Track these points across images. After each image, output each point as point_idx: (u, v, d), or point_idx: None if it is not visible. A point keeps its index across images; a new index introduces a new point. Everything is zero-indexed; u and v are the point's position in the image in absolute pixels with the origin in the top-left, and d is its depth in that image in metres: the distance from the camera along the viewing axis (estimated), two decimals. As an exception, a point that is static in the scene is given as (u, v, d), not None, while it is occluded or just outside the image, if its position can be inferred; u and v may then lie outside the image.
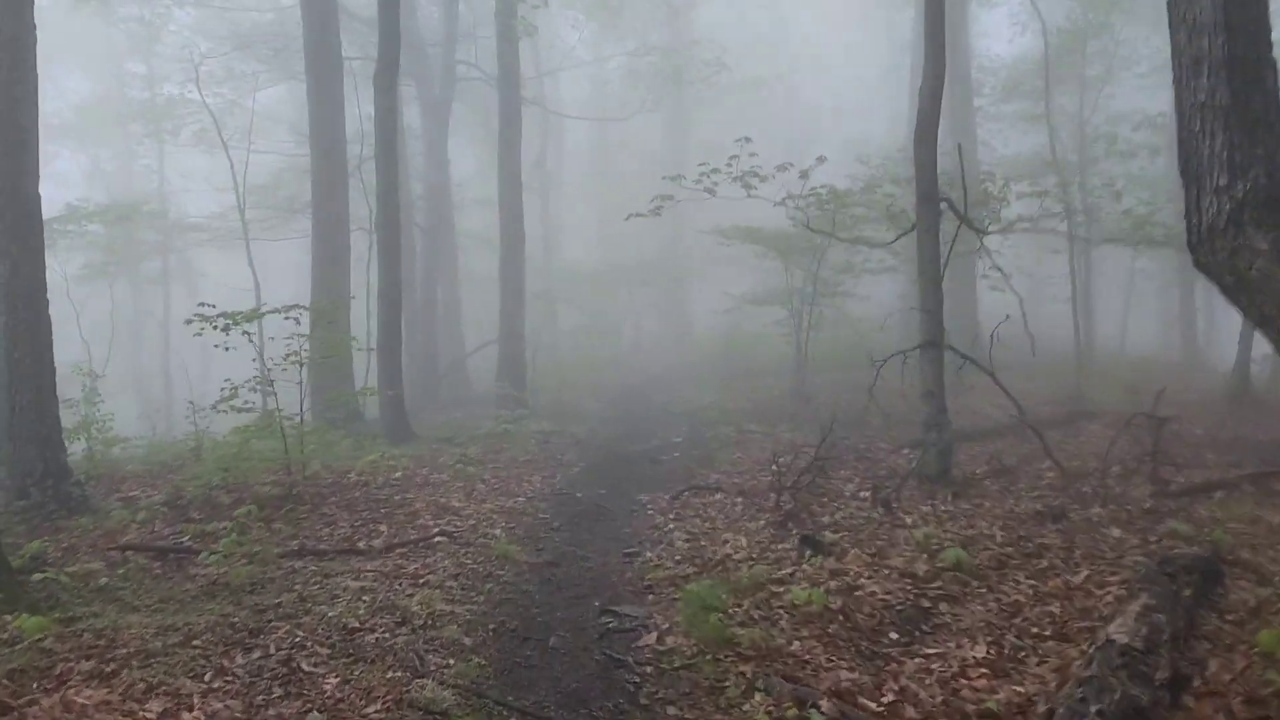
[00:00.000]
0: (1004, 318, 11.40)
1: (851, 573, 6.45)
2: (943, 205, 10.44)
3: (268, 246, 27.96)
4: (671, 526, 8.60)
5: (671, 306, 34.70)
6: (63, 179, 30.13)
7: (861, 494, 9.13)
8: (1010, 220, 14.43)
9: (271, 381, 9.08)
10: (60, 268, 20.72)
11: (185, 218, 26.46)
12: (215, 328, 8.92)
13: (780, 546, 7.31)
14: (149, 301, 28.80)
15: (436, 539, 7.94)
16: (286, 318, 9.71)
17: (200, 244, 27.42)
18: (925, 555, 6.75)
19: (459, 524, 8.65)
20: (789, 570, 6.63)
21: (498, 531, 8.48)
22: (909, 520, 8.05)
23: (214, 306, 9.07)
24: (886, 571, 6.38)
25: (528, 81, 26.21)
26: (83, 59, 30.97)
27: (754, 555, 7.14)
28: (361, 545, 7.71)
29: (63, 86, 31.50)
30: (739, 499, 9.28)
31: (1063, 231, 18.24)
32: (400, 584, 6.63)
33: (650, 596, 6.59)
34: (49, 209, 9.81)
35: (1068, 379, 17.89)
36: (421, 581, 6.72)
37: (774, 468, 9.59)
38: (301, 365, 10.12)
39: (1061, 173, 18.92)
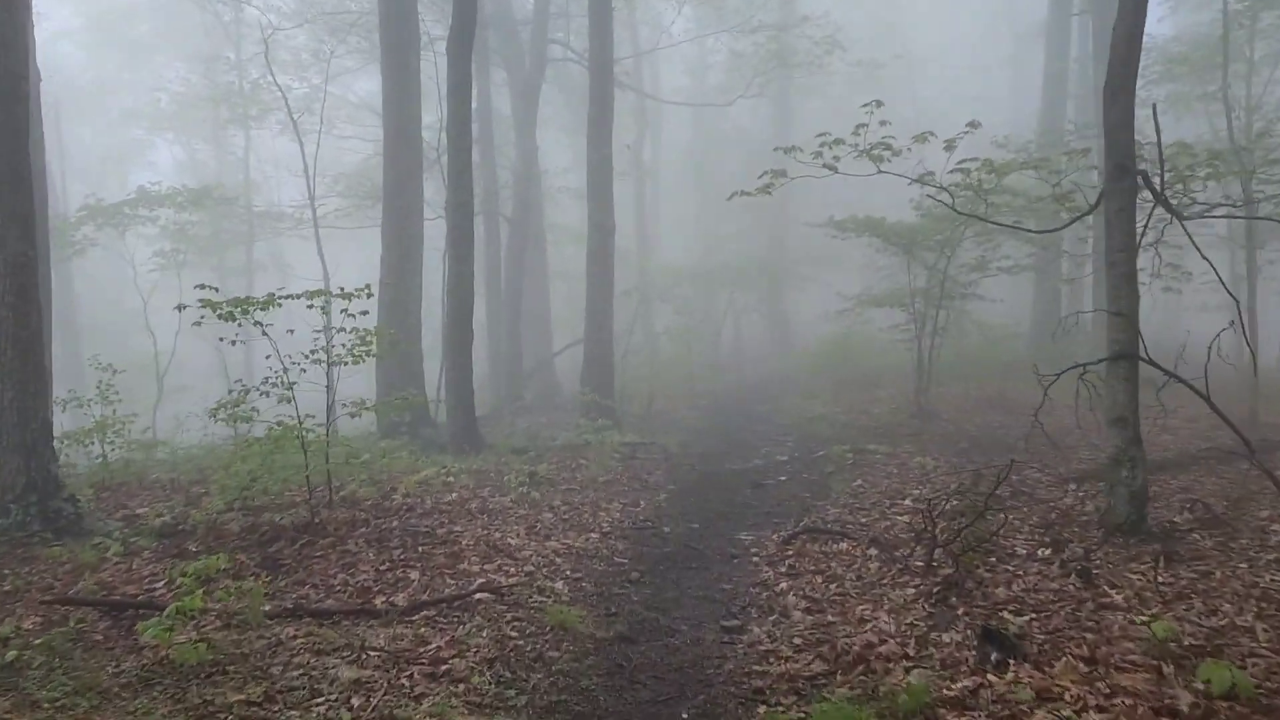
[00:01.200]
0: (1227, 324, 8.82)
1: (1069, 696, 4.26)
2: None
3: (355, 238, 26.95)
4: (784, 586, 6.52)
5: (773, 309, 32.41)
6: (158, 169, 29.68)
7: (1041, 552, 6.86)
8: (1205, 205, 11.80)
9: (292, 384, 7.38)
10: (130, 255, 19.89)
11: (271, 207, 25.56)
12: (220, 316, 7.24)
13: (946, 638, 5.15)
14: (235, 293, 28.08)
15: (478, 596, 6.05)
16: (320, 309, 7.99)
17: (283, 234, 26.49)
18: (1173, 669, 4.51)
19: (511, 571, 6.77)
20: (967, 684, 4.49)
21: (559, 585, 6.55)
22: (1118, 597, 5.77)
23: (216, 290, 7.39)
24: (1128, 702, 4.17)
25: (623, 64, 24.47)
26: (181, 47, 30.56)
27: (909, 650, 5.01)
28: (379, 603, 5.88)
29: (162, 77, 31.19)
30: (872, 550, 7.13)
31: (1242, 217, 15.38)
32: (412, 674, 4.76)
33: (761, 709, 4.56)
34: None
35: (1234, 400, 15.09)
36: (443, 669, 4.84)
37: (923, 514, 7.43)
38: (362, 357, 8.45)
39: (1241, 159, 16.06)
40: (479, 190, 22.69)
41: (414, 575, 6.48)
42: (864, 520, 8.23)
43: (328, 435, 7.88)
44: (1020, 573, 6.28)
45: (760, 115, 36.85)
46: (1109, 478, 7.77)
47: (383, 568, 6.64)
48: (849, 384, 20.37)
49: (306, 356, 7.59)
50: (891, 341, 22.15)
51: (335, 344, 8.54)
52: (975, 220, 13.85)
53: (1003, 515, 7.79)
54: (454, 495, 9.31)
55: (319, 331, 7.89)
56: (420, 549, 7.16)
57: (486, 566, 6.84)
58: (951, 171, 10.84)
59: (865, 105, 10.18)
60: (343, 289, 8.16)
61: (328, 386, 7.89)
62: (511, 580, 6.55)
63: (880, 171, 10.09)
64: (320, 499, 7.95)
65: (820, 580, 6.53)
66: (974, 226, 14.69)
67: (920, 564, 6.51)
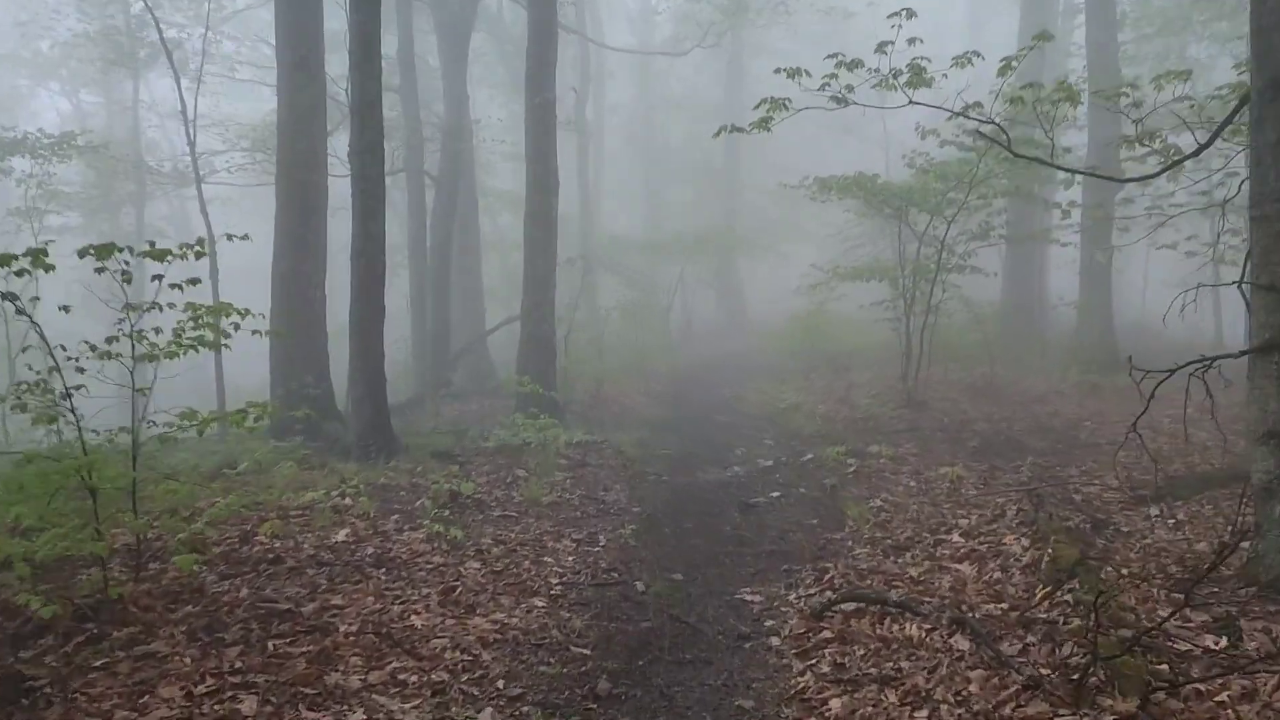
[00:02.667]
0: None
1: None
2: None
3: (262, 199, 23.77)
4: (837, 710, 4.15)
5: (727, 284, 30.12)
6: (40, 120, 25.96)
7: (1214, 643, 4.58)
8: None
9: (70, 390, 4.74)
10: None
11: (161, 163, 22.30)
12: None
13: None
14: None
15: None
16: (119, 274, 5.31)
17: (187, 196, 23.23)
18: None
19: (410, 687, 4.28)
20: None
21: (484, 717, 4.08)
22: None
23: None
24: None
25: (563, 8, 21.76)
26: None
27: None
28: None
29: (45, 17, 27.38)
30: (957, 637, 4.75)
31: None
32: None
33: None
34: None
35: None
36: None
37: (1006, 567, 5.12)
38: (194, 347, 5.81)
39: None
40: (402, 146, 19.85)
41: (246, 708, 3.94)
42: (914, 573, 5.90)
43: (135, 460, 5.20)
44: (1209, 691, 3.97)
45: (710, 74, 34.36)
46: (1261, 515, 5.56)
47: (201, 691, 4.08)
48: (820, 367, 18.16)
49: (95, 349, 4.93)
50: (866, 320, 20.03)
51: (162, 329, 5.86)
52: (999, 172, 11.69)
53: (1115, 571, 5.51)
54: (344, 533, 6.74)
55: (126, 310, 5.19)
56: (272, 645, 4.60)
57: (371, 678, 4.33)
58: (1016, 95, 8.46)
59: (893, 16, 7.78)
60: (169, 248, 5.49)
61: (135, 389, 5.20)
62: (410, 707, 4.06)
63: (912, 103, 7.67)
64: (133, 556, 5.33)
65: (895, 699, 4.16)
66: (979, 189, 12.50)
67: (1047, 670, 4.18)
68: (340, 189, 13.90)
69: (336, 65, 16.27)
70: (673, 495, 8.81)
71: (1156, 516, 7.17)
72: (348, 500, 7.76)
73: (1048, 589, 5.08)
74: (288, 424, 11.83)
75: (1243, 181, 6.08)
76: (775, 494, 8.73)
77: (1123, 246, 15.96)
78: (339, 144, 14.46)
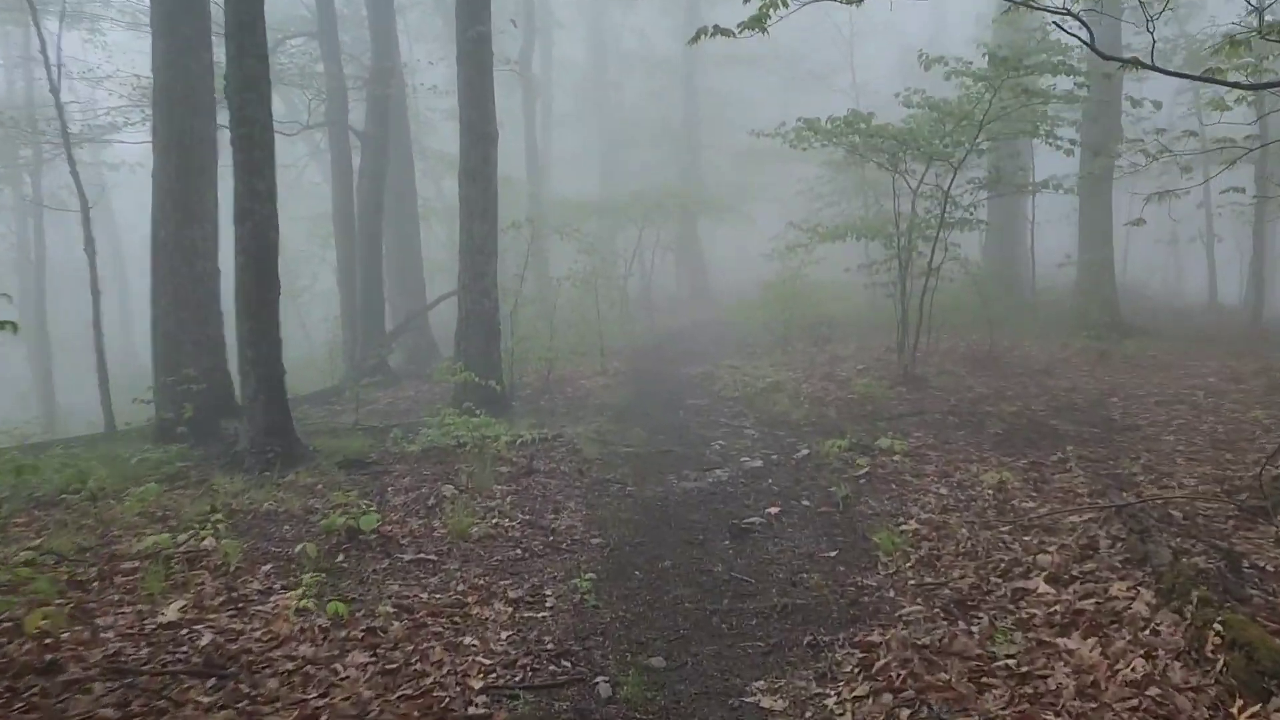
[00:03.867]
0: None
1: None
2: None
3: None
4: None
5: (689, 250, 28.07)
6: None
7: None
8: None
9: None
10: None
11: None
12: None
13: None
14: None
15: None
16: None
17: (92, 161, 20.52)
18: None
19: None
20: None
21: None
22: None
23: None
24: None
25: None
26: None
27: None
28: None
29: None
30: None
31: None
32: None
33: None
34: None
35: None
36: None
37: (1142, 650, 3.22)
38: None
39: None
40: (321, 99, 17.43)
41: None
42: (1008, 658, 3.96)
43: None
44: None
45: (666, 29, 32.03)
46: None
47: None
48: (798, 338, 16.25)
49: None
50: (843, 285, 18.17)
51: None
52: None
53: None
54: (179, 606, 4.64)
55: None
56: None
57: None
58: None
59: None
60: None
61: None
62: None
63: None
64: None
65: None
66: (990, 129, 10.56)
67: None
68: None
69: None
70: (642, 515, 6.80)
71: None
72: (208, 543, 5.66)
73: (1251, 712, 3.17)
74: (168, 427, 9.67)
75: None
76: (773, 509, 6.76)
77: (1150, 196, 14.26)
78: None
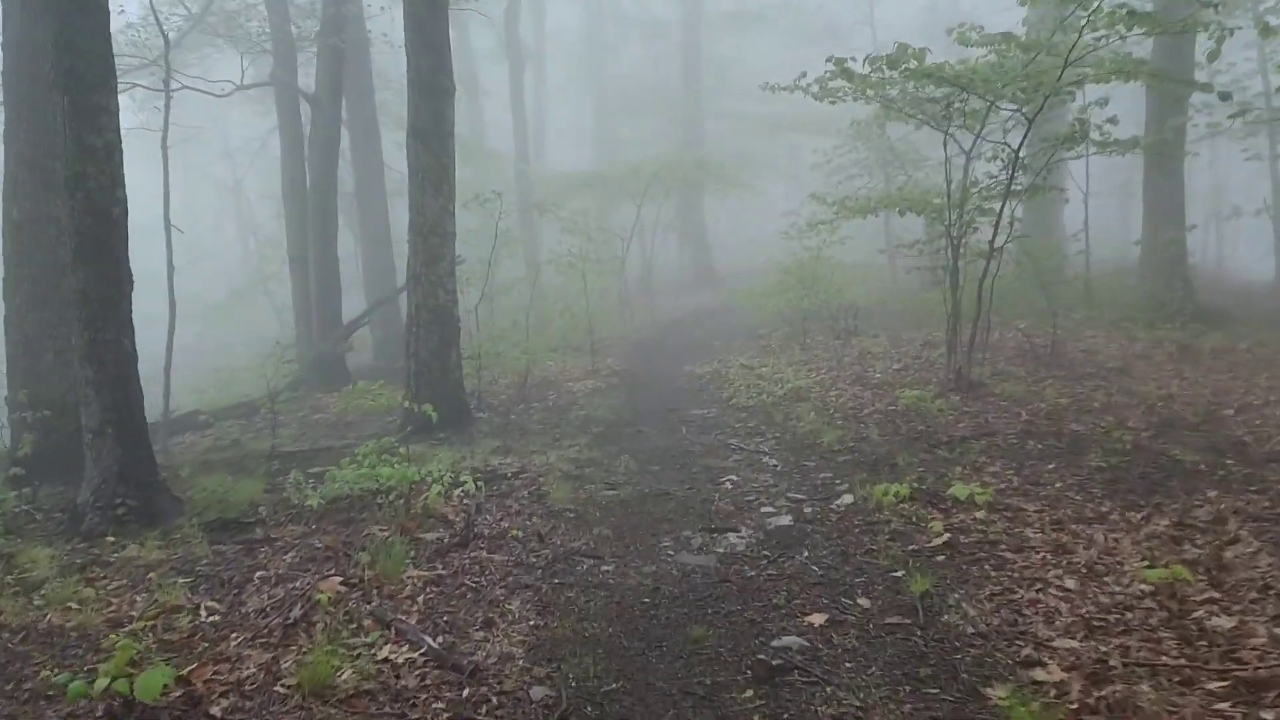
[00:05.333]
0: None
1: None
2: None
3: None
4: None
5: (693, 228, 25.57)
6: None
7: None
8: None
9: None
10: None
11: None
12: None
13: None
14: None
15: None
16: None
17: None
18: None
19: None
20: None
21: None
22: None
23: None
24: None
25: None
26: None
27: None
28: None
29: None
30: None
31: None
32: None
33: None
34: None
35: None
36: None
37: None
38: None
39: None
40: (256, 54, 14.96)
41: None
42: None
43: None
44: None
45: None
46: None
47: None
48: (818, 330, 13.85)
49: None
50: (863, 268, 15.77)
51: None
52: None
53: None
54: None
55: None
56: None
57: None
58: None
59: None
60: None
61: None
62: None
63: None
64: None
65: None
66: (1076, 69, 8.07)
67: None
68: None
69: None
70: (620, 629, 4.42)
71: None
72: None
73: None
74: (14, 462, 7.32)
75: None
76: (816, 619, 4.39)
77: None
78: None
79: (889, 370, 10.90)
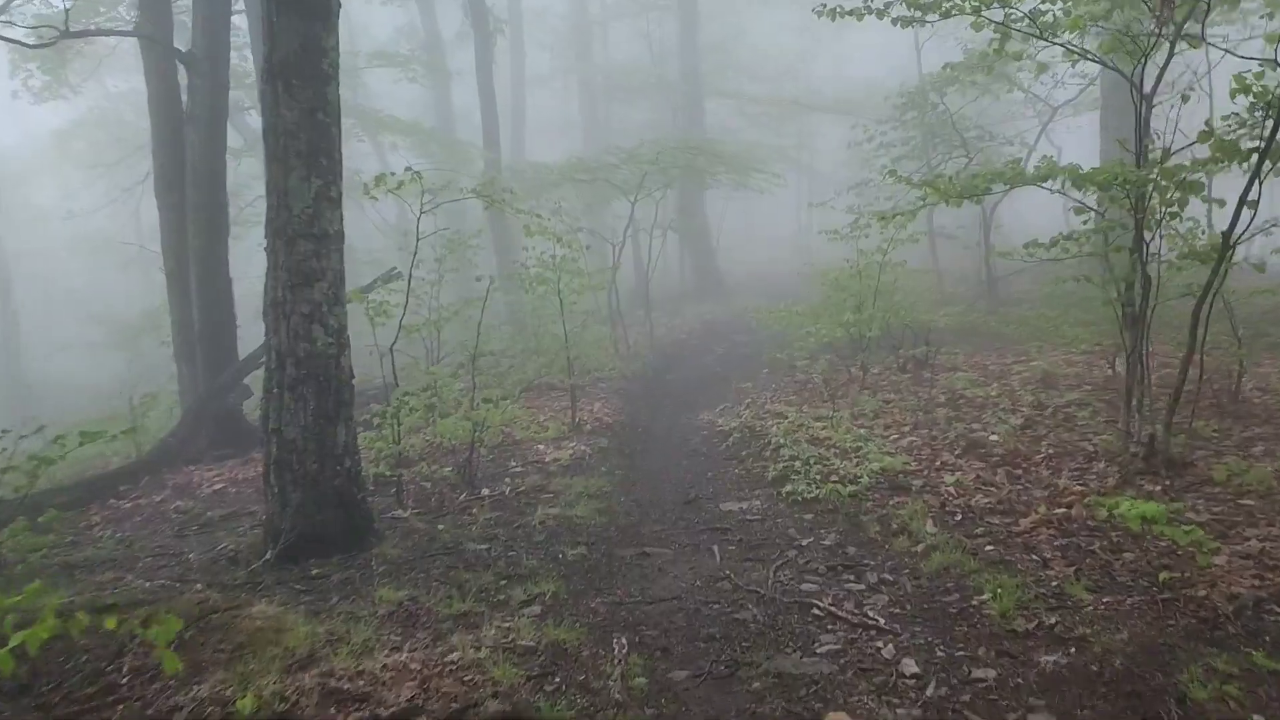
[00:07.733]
0: None
1: None
2: None
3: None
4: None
5: (695, 227, 21.78)
6: None
7: None
8: None
9: None
10: None
11: None
12: None
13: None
14: None
15: None
16: None
17: None
18: None
19: None
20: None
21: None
22: None
23: None
24: None
25: None
26: None
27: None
28: None
29: None
30: None
31: None
32: None
33: None
34: None
35: None
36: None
37: None
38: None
39: None
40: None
41: None
42: None
43: None
44: None
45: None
46: None
47: None
48: (881, 363, 10.10)
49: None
50: (897, 272, 11.98)
51: None
52: None
53: None
54: None
55: None
56: None
57: None
58: None
59: None
60: None
61: None
62: None
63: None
64: None
65: None
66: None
67: None
68: None
69: None
70: None
71: None
72: None
73: None
74: None
75: None
76: None
77: None
78: None
79: (1014, 430, 7.16)
